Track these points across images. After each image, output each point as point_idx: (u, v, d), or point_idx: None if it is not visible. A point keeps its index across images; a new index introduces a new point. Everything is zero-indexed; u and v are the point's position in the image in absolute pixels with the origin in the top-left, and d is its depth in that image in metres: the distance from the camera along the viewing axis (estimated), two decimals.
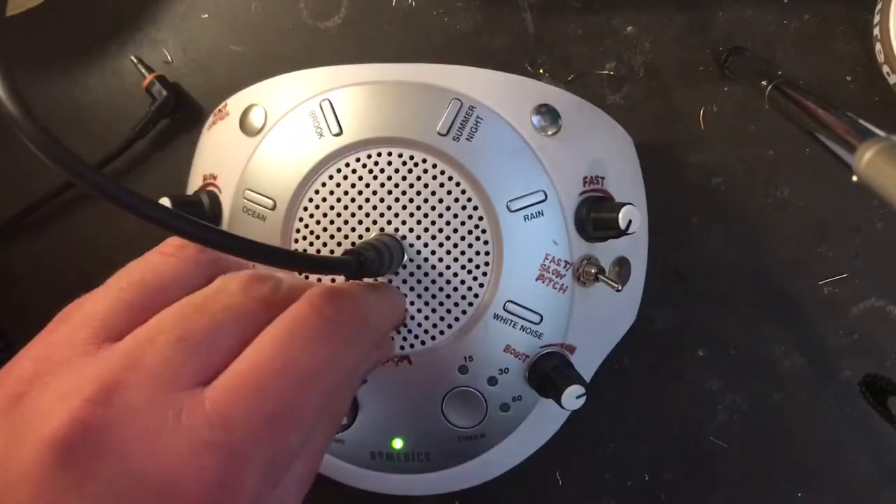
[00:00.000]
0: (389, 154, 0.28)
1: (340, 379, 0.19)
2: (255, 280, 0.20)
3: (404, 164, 0.28)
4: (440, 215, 0.28)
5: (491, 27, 0.35)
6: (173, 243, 0.21)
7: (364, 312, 0.21)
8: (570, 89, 0.34)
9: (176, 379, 0.17)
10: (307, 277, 0.29)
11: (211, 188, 0.31)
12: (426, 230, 0.28)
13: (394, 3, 0.36)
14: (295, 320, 0.19)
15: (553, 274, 0.29)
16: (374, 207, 0.28)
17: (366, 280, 0.22)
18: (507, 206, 0.28)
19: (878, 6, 0.33)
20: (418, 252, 0.28)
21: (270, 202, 0.29)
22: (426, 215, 0.28)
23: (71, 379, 0.17)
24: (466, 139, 0.28)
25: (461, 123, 0.28)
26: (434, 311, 0.28)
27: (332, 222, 0.28)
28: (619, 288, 0.29)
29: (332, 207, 0.28)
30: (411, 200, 0.28)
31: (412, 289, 0.28)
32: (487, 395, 0.29)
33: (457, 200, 0.28)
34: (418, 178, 0.28)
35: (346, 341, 0.20)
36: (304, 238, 0.29)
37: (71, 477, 0.15)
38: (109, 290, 0.21)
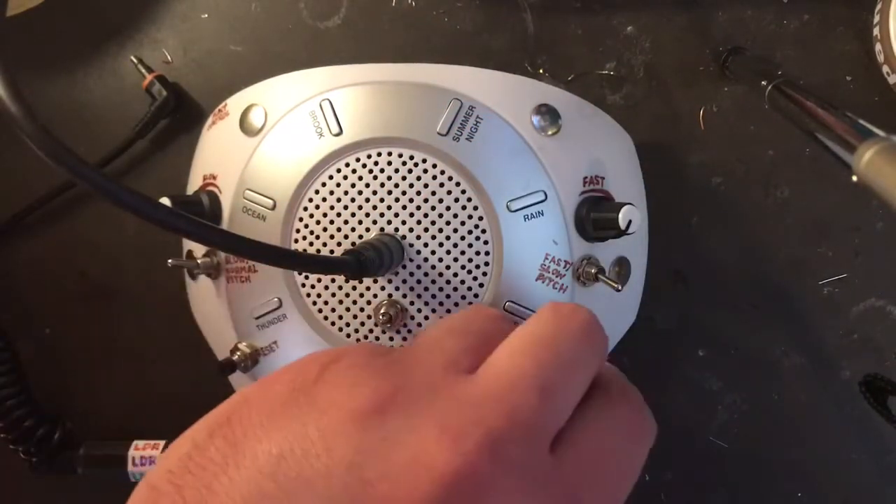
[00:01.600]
0: (389, 154, 0.28)
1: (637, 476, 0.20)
2: (592, 330, 0.20)
3: (404, 164, 0.28)
4: (440, 215, 0.28)
5: (491, 27, 0.35)
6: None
7: None
8: (570, 89, 0.34)
9: (541, 438, 0.16)
10: (307, 277, 0.29)
11: (211, 188, 0.31)
12: (426, 230, 0.28)
13: (394, 3, 0.36)
14: (617, 413, 0.19)
15: (553, 274, 0.29)
16: (374, 207, 0.28)
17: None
18: (507, 206, 0.28)
19: (878, 6, 0.33)
20: (418, 252, 0.28)
21: (270, 202, 0.29)
22: (426, 215, 0.28)
23: (446, 415, 0.16)
24: (466, 139, 0.28)
25: (461, 123, 0.28)
26: (434, 311, 0.28)
27: (332, 222, 0.28)
28: (619, 288, 0.29)
29: (332, 207, 0.28)
30: (411, 200, 0.28)
31: (412, 289, 0.28)
32: None
33: (457, 200, 0.28)
34: (418, 178, 0.28)
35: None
36: (304, 238, 0.29)
37: None
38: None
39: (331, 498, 0.14)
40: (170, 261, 0.30)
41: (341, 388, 0.16)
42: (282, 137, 0.29)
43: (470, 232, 0.28)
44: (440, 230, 0.28)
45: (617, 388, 0.20)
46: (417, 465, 0.15)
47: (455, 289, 0.28)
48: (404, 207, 0.28)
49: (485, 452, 0.15)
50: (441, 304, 0.28)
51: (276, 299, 0.29)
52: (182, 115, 0.37)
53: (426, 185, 0.28)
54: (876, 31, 0.33)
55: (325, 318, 0.29)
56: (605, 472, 0.17)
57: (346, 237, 0.28)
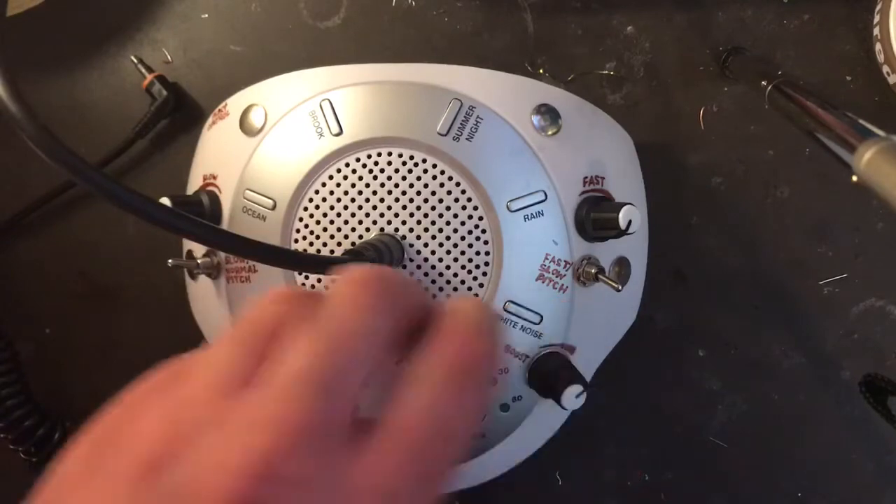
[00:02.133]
0: (389, 154, 0.28)
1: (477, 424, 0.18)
2: (376, 290, 0.17)
3: (404, 164, 0.28)
4: (440, 215, 0.28)
5: (491, 27, 0.35)
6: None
7: (496, 354, 0.19)
8: (570, 89, 0.34)
9: (326, 441, 0.15)
10: (307, 277, 0.29)
11: (211, 188, 0.31)
12: (426, 230, 0.28)
13: (394, 3, 0.36)
14: (442, 381, 0.17)
15: (553, 274, 0.29)
16: (374, 207, 0.28)
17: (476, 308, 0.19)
18: (507, 206, 0.28)
19: (878, 6, 0.33)
20: (418, 252, 0.28)
21: (270, 202, 0.29)
22: (426, 215, 0.28)
23: (219, 447, 0.15)
24: (466, 139, 0.28)
25: (461, 123, 0.28)
26: None
27: (332, 222, 0.28)
28: (619, 288, 0.29)
29: (332, 207, 0.28)
30: (411, 200, 0.28)
31: None
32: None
33: (457, 200, 0.28)
34: (418, 178, 0.28)
35: (486, 391, 0.18)
36: (304, 238, 0.28)
37: None
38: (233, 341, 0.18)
39: None
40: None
41: (120, 456, 0.16)
42: (282, 137, 0.29)
43: (470, 232, 0.28)
44: (440, 230, 0.28)
45: (444, 331, 0.17)
46: None
47: (455, 289, 0.28)
48: (404, 207, 0.28)
49: (258, 480, 0.14)
50: None
51: None
52: (182, 115, 0.37)
53: (426, 185, 0.28)
54: (876, 31, 0.33)
55: None
56: (423, 441, 0.16)
57: (346, 237, 0.28)
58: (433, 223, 0.28)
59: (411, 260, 0.28)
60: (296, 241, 0.29)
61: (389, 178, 0.28)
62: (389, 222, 0.28)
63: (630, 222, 0.27)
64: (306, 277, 0.29)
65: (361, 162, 0.28)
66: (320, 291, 0.18)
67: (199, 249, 0.32)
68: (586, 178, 0.30)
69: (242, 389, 0.16)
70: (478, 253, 0.28)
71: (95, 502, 0.15)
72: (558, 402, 0.27)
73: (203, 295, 0.32)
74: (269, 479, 0.14)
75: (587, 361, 0.31)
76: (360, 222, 0.28)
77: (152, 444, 0.15)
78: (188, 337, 0.34)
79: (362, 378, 0.16)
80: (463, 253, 0.28)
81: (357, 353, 0.16)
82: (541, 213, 0.28)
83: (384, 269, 0.18)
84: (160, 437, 0.15)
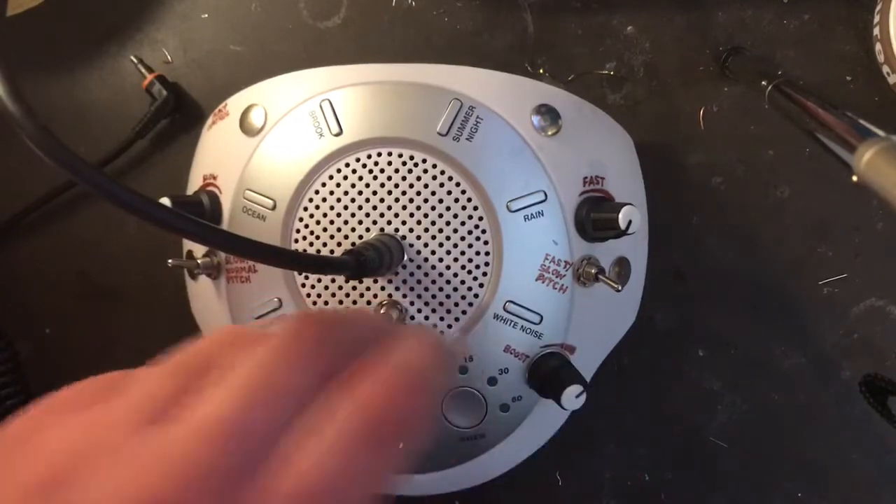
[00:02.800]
0: (389, 154, 0.28)
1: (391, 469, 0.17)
2: (299, 337, 0.17)
3: (404, 164, 0.28)
4: (440, 215, 0.28)
5: (491, 27, 0.35)
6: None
7: (430, 397, 0.18)
8: (570, 89, 0.34)
9: (229, 491, 0.15)
10: (307, 277, 0.29)
11: (211, 188, 0.31)
12: (426, 230, 0.28)
13: (394, 3, 0.36)
14: (362, 421, 0.16)
15: (553, 274, 0.29)
16: (374, 207, 0.28)
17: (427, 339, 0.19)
18: (507, 206, 0.28)
19: (878, 6, 0.33)
20: (418, 252, 0.28)
21: (270, 202, 0.29)
22: (426, 215, 0.28)
23: (121, 478, 0.15)
24: (466, 139, 0.28)
25: (461, 123, 0.28)
26: (434, 311, 0.28)
27: (332, 222, 0.28)
28: (619, 288, 0.29)
29: (332, 207, 0.28)
30: (411, 200, 0.28)
31: (412, 289, 0.28)
32: (487, 395, 0.29)
33: (457, 200, 0.28)
34: (418, 179, 0.28)
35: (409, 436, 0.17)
36: (304, 238, 0.29)
37: None
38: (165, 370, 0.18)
39: None
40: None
41: (10, 457, 0.15)
42: (282, 137, 0.29)
43: (470, 232, 0.28)
44: (440, 230, 0.28)
45: (372, 375, 0.17)
46: None
47: (455, 289, 0.28)
48: (404, 207, 0.28)
49: None
50: (441, 304, 0.28)
51: (276, 299, 0.29)
52: (182, 115, 0.37)
53: (426, 185, 0.28)
54: (876, 31, 0.33)
55: None
56: (330, 493, 0.15)
57: (346, 237, 0.28)
58: (433, 223, 0.28)
59: (411, 260, 0.28)
60: (296, 241, 0.29)
61: (389, 178, 0.28)
62: (389, 222, 0.28)
63: (630, 222, 0.27)
64: (306, 277, 0.29)
65: (361, 162, 0.28)
66: (268, 333, 0.18)
67: (199, 249, 0.32)
68: (586, 178, 0.30)
69: (159, 422, 0.16)
70: (478, 253, 0.28)
71: None
72: (558, 402, 0.27)
73: (203, 295, 0.32)
74: None
75: (587, 361, 0.31)
76: (360, 222, 0.28)
77: (56, 462, 0.15)
78: (188, 337, 0.34)
79: (278, 426, 0.16)
80: (463, 253, 0.28)
81: (274, 407, 0.16)
82: (541, 214, 0.28)
83: (325, 314, 0.18)
84: (67, 455, 0.15)
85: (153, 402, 0.16)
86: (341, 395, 0.17)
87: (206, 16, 0.37)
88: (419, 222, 0.28)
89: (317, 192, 0.28)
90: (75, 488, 0.14)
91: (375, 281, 0.28)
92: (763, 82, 0.30)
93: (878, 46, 0.33)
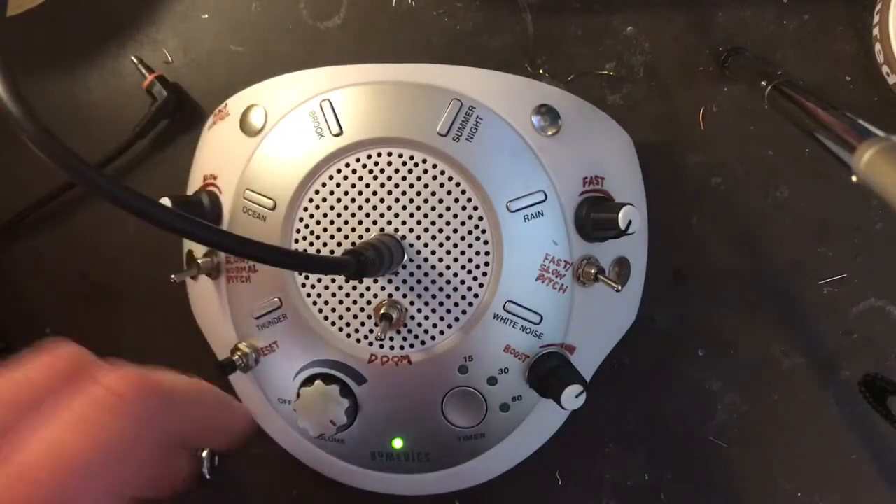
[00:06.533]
0: (389, 154, 0.28)
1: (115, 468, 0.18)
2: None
3: (404, 164, 0.28)
4: (440, 215, 0.28)
5: (491, 27, 0.35)
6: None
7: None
8: (570, 89, 0.34)
9: None
10: (307, 277, 0.29)
11: (211, 188, 0.31)
12: (426, 230, 0.28)
13: (394, 3, 0.36)
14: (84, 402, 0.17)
15: (553, 274, 0.29)
16: (374, 207, 0.28)
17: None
18: (507, 207, 0.28)
19: (878, 6, 0.33)
20: (418, 252, 0.28)
21: (271, 202, 0.29)
22: (426, 215, 0.28)
23: None
24: (466, 139, 0.28)
25: (461, 124, 0.28)
26: (434, 311, 0.28)
27: (332, 222, 0.28)
28: (619, 288, 0.29)
29: (332, 207, 0.28)
30: (411, 200, 0.28)
31: (412, 289, 0.28)
32: (487, 395, 0.29)
33: (457, 200, 0.28)
34: (418, 179, 0.28)
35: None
36: (304, 238, 0.29)
37: None
38: None
39: None
40: (173, 276, 0.29)
41: None
42: (282, 138, 0.29)
43: (470, 232, 0.28)
44: (440, 230, 0.28)
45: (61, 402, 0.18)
46: None
47: (455, 289, 0.28)
48: (404, 207, 0.28)
49: None
50: (441, 304, 0.28)
51: (276, 299, 0.29)
52: (182, 115, 0.37)
53: (426, 186, 0.28)
54: (876, 31, 0.33)
55: (325, 318, 0.29)
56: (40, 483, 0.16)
57: (346, 237, 0.28)
58: (433, 223, 0.28)
59: (411, 260, 0.28)
60: (296, 241, 0.29)
61: (389, 178, 0.28)
62: (389, 222, 0.28)
63: (630, 222, 0.27)
64: (306, 277, 0.29)
65: (361, 162, 0.28)
66: None
67: (199, 249, 0.32)
68: (586, 178, 0.30)
69: None
70: (478, 253, 0.28)
71: None
72: (558, 402, 0.27)
73: (203, 295, 0.32)
74: None
75: (587, 361, 0.31)
76: (360, 222, 0.28)
77: None
78: (188, 337, 0.34)
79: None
80: (463, 253, 0.28)
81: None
82: (541, 214, 0.29)
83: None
84: None
85: None
86: None
87: (206, 16, 0.37)
88: (419, 222, 0.28)
89: (317, 192, 0.28)
90: None
91: (375, 281, 0.28)
92: (763, 82, 0.30)
93: (877, 46, 0.33)
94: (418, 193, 0.28)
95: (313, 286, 0.29)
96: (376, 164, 0.28)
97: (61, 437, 0.17)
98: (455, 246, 0.28)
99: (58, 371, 0.19)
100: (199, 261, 0.30)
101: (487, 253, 0.28)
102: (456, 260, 0.28)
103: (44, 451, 0.16)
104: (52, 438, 0.17)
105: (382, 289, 0.28)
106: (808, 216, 0.35)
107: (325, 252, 0.28)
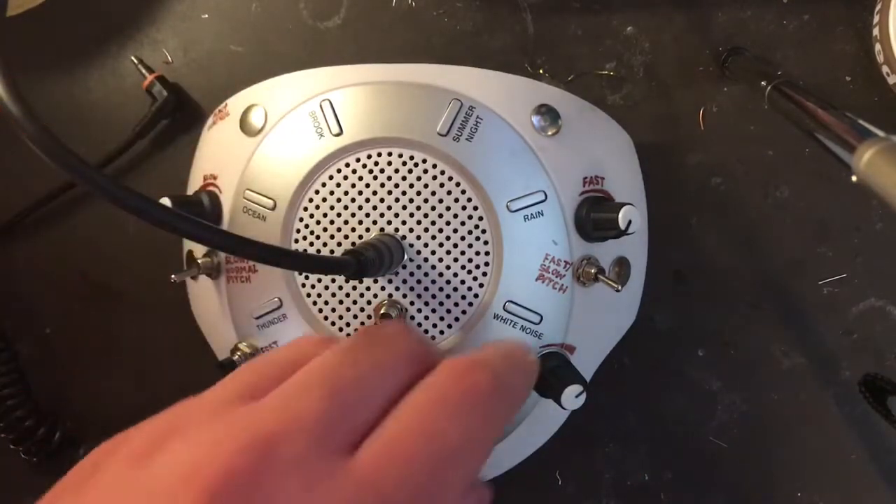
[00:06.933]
0: (389, 154, 0.28)
1: (483, 455, 0.18)
2: (399, 336, 0.19)
3: (404, 164, 0.28)
4: (440, 215, 0.28)
5: (491, 27, 0.35)
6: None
7: (504, 386, 0.19)
8: (570, 89, 0.34)
9: (328, 437, 0.16)
10: (307, 277, 0.29)
11: (211, 188, 0.31)
12: (426, 230, 0.28)
13: (394, 4, 0.36)
14: (439, 390, 0.18)
15: (553, 274, 0.29)
16: (374, 207, 0.28)
17: (508, 346, 0.20)
18: (507, 206, 0.28)
19: (878, 6, 0.33)
20: (418, 252, 0.28)
21: (271, 202, 0.29)
22: (426, 215, 0.28)
23: (219, 428, 0.16)
24: (466, 139, 0.28)
25: (461, 123, 0.28)
26: (434, 311, 0.28)
27: (332, 222, 0.28)
28: (619, 288, 0.29)
29: (332, 207, 0.28)
30: (411, 200, 0.28)
31: (412, 289, 0.28)
32: None
33: (457, 200, 0.28)
34: (418, 179, 0.28)
35: (489, 417, 0.18)
36: (305, 238, 0.29)
37: None
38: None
39: None
40: (173, 276, 0.29)
41: (117, 442, 0.16)
42: (282, 138, 0.29)
43: (470, 232, 0.28)
44: (440, 230, 0.28)
45: (442, 368, 0.18)
46: (186, 479, 0.15)
47: (455, 289, 0.28)
48: (404, 207, 0.28)
49: (252, 452, 0.15)
50: (441, 304, 0.28)
51: (276, 299, 0.29)
52: (182, 115, 0.37)
53: (426, 186, 0.28)
54: (876, 31, 0.33)
55: (325, 318, 0.29)
56: (412, 460, 0.16)
57: (346, 237, 0.28)
58: (433, 223, 0.28)
59: (411, 260, 0.28)
60: (296, 241, 0.29)
61: (389, 178, 0.28)
62: (389, 222, 0.28)
63: (630, 222, 0.27)
64: (306, 277, 0.29)
65: (361, 162, 0.28)
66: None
67: (199, 249, 0.32)
68: (586, 178, 0.30)
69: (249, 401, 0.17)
70: (478, 253, 0.28)
71: (92, 497, 0.15)
72: (558, 402, 0.27)
73: (203, 295, 0.32)
74: (265, 455, 0.15)
75: (587, 361, 0.31)
76: (360, 222, 0.28)
77: (148, 437, 0.16)
78: (188, 337, 0.34)
79: (377, 401, 0.17)
80: (463, 253, 0.28)
81: (373, 378, 0.17)
82: (541, 214, 0.29)
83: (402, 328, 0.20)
84: (161, 430, 0.16)
85: (240, 389, 0.18)
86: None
87: (207, 16, 0.37)
88: (419, 222, 0.28)
89: (317, 192, 0.28)
90: (172, 446, 0.15)
91: (375, 281, 0.28)
92: (763, 82, 0.30)
93: (877, 46, 0.33)
94: (418, 193, 0.28)
95: (313, 286, 0.29)
96: (376, 164, 0.28)
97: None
98: (455, 246, 0.28)
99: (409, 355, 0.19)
100: (199, 261, 0.30)
101: (487, 253, 0.28)
102: (456, 260, 0.28)
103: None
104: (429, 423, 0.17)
105: (382, 289, 0.28)
106: (808, 216, 0.35)
107: (325, 252, 0.28)
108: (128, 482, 0.15)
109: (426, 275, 0.28)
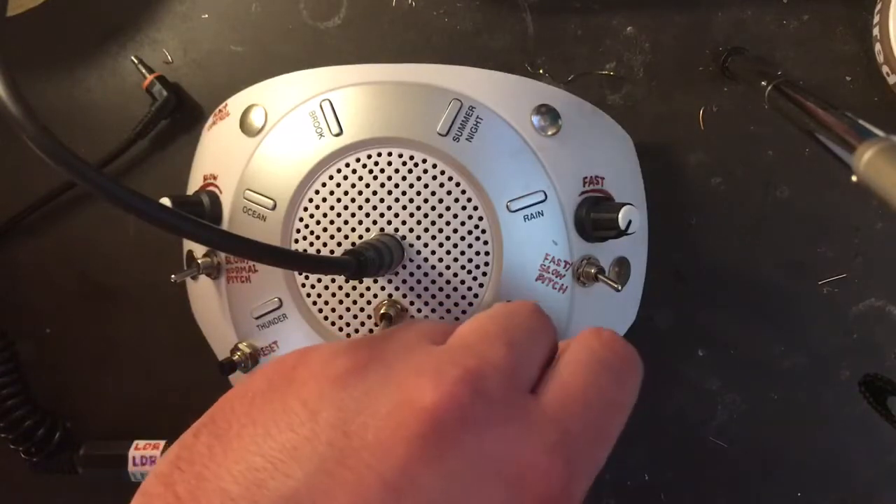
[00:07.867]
0: (389, 154, 0.28)
1: (625, 418, 0.20)
2: (539, 309, 0.21)
3: (404, 164, 0.28)
4: (440, 215, 0.28)
5: (491, 27, 0.35)
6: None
7: (638, 361, 0.22)
8: (570, 89, 0.34)
9: (517, 379, 0.18)
10: (307, 277, 0.29)
11: (211, 188, 0.31)
12: (426, 230, 0.28)
13: (394, 4, 0.36)
14: (596, 352, 0.20)
15: (553, 274, 0.29)
16: (374, 207, 0.28)
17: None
18: (507, 207, 0.28)
19: (878, 6, 0.33)
20: (418, 252, 0.28)
21: (270, 202, 0.29)
22: (426, 215, 0.28)
23: (429, 360, 0.17)
24: (466, 139, 0.28)
25: (461, 124, 0.28)
26: (434, 311, 0.28)
27: (332, 222, 0.28)
28: (619, 288, 0.29)
29: (332, 207, 0.28)
30: (411, 200, 0.28)
31: (412, 289, 0.28)
32: None
33: (457, 200, 0.28)
34: (418, 179, 0.28)
35: (633, 386, 0.21)
36: (304, 238, 0.29)
37: (437, 449, 0.15)
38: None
39: (317, 457, 0.15)
40: (173, 276, 0.29)
41: (319, 363, 0.18)
42: (282, 138, 0.29)
43: (470, 232, 0.28)
44: (440, 230, 0.28)
45: (587, 334, 0.21)
46: (401, 408, 0.16)
47: (455, 289, 0.28)
48: (404, 207, 0.28)
49: (464, 385, 0.16)
50: (441, 304, 0.28)
51: (276, 299, 0.29)
52: (182, 115, 0.37)
53: (426, 186, 0.28)
54: (876, 31, 0.33)
55: (325, 318, 0.29)
56: (588, 404, 0.18)
57: (346, 237, 0.28)
58: (433, 223, 0.28)
59: (411, 260, 0.28)
60: (296, 241, 0.29)
61: (389, 178, 0.28)
62: (389, 222, 0.28)
63: (630, 222, 0.27)
64: (306, 277, 0.29)
65: (361, 162, 0.28)
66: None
67: (199, 249, 0.32)
68: (586, 178, 0.30)
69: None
70: (478, 253, 0.28)
71: (303, 394, 0.17)
72: None
73: (203, 295, 0.32)
74: (475, 388, 0.16)
75: None
76: (360, 222, 0.28)
77: (356, 360, 0.17)
78: (188, 337, 0.34)
79: (539, 360, 0.19)
80: (463, 253, 0.28)
81: (535, 341, 0.20)
82: (541, 214, 0.29)
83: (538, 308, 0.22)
84: (364, 357, 0.18)
85: (424, 331, 0.20)
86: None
87: (206, 16, 0.37)
88: (419, 222, 0.28)
89: (317, 192, 0.28)
90: (377, 373, 0.17)
91: (375, 281, 0.28)
92: (763, 82, 0.30)
93: (877, 46, 0.33)
94: (418, 193, 0.28)
95: (313, 286, 0.29)
96: (376, 164, 0.28)
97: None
98: (455, 246, 0.28)
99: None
100: (199, 261, 0.30)
101: (487, 253, 0.28)
102: (456, 260, 0.28)
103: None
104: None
105: (382, 289, 0.28)
106: (808, 216, 0.35)
107: (325, 252, 0.28)
108: (340, 401, 0.16)
109: (426, 275, 0.28)
